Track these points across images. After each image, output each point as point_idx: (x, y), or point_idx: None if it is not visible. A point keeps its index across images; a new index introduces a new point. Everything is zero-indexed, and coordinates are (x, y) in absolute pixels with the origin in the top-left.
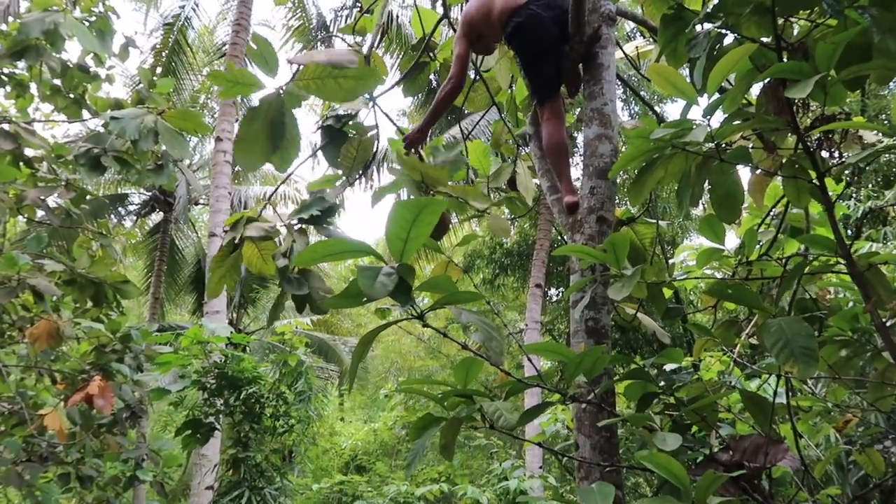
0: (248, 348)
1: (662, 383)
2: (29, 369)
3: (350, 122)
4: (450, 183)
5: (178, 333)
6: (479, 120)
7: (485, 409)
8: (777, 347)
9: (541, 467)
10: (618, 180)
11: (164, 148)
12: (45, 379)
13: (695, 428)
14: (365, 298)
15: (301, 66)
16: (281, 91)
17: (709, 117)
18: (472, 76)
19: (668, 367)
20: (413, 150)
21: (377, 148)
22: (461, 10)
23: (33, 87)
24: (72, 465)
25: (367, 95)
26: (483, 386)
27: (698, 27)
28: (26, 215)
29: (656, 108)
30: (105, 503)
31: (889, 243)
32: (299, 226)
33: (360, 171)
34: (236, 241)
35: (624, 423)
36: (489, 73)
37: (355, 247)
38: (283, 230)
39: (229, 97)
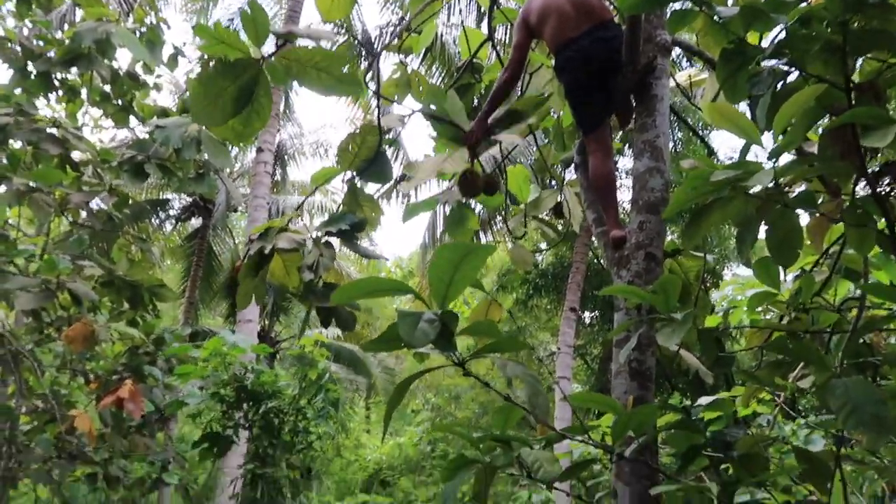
0: (278, 356)
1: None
2: (63, 368)
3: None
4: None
5: (198, 345)
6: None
7: (523, 458)
8: (844, 412)
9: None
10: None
11: (206, 157)
12: (78, 378)
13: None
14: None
15: (286, 42)
16: (261, 60)
17: (774, 161)
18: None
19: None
20: (474, 144)
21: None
22: (508, 28)
23: (83, 93)
24: (100, 464)
25: (402, 114)
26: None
27: (762, 63)
28: (70, 217)
29: (702, 135)
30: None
31: None
32: (326, 239)
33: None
34: (266, 252)
35: (666, 476)
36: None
37: (395, 286)
38: (310, 242)
39: (209, 52)
